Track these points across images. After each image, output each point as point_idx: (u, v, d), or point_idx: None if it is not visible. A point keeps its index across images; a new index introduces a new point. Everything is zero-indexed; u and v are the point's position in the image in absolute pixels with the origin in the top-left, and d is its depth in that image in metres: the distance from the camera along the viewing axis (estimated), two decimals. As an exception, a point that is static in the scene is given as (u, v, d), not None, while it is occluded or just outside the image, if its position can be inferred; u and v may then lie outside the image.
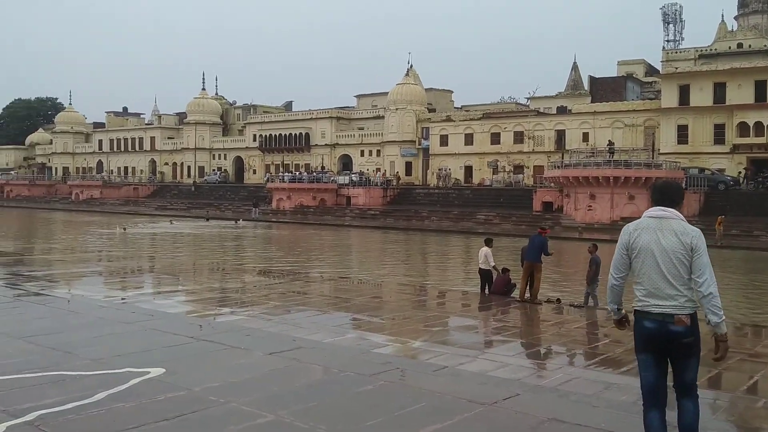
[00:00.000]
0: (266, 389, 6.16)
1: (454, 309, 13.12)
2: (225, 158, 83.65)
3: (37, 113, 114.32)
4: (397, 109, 65.82)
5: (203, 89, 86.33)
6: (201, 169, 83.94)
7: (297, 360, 7.37)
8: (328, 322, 10.84)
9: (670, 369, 3.83)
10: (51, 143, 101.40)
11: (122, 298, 12.27)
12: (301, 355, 7.73)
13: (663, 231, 3.66)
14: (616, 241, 4.09)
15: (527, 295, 13.93)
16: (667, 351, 3.66)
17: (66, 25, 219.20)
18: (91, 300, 11.76)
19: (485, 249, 15.06)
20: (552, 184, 45.36)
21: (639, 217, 3.95)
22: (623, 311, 3.98)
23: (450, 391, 6.43)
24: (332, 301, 13.34)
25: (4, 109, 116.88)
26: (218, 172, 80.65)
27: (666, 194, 3.80)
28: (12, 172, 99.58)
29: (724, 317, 3.70)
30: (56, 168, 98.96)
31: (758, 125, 46.48)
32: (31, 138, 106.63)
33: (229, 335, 8.75)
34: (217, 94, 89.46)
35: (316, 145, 74.13)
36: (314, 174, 62.64)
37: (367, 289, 15.64)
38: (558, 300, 14.11)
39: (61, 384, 6.02)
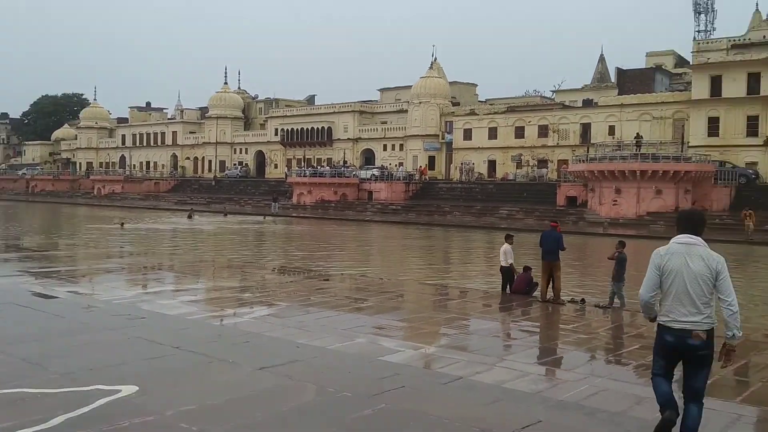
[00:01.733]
0: (247, 415, 5.46)
1: (474, 310, 12.46)
2: (246, 152, 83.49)
3: (63, 109, 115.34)
4: (420, 102, 65.02)
5: (225, 83, 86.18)
6: (222, 163, 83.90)
7: (289, 377, 6.65)
8: (338, 325, 10.25)
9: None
10: (76, 138, 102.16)
11: (120, 299, 11.78)
12: (296, 369, 6.99)
13: (691, 256, 4.16)
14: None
15: (549, 294, 13.24)
16: (682, 360, 4.24)
17: (92, 20, 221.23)
18: (80, 302, 11.24)
19: (505, 246, 14.40)
20: (576, 179, 44.34)
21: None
22: (655, 313, 4.46)
23: (460, 416, 5.68)
24: (347, 302, 12.75)
25: (31, 105, 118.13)
26: (239, 167, 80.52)
27: (691, 222, 4.30)
28: (37, 168, 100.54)
29: (741, 333, 4.25)
30: (80, 163, 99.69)
31: (793, 117, 45.02)
32: (57, 134, 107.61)
33: (221, 344, 8.10)
34: (239, 88, 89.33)
35: (339, 139, 73.61)
36: (336, 168, 62.12)
37: (384, 288, 15.03)
38: (582, 300, 13.38)
39: (19, 404, 5.41)
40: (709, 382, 5.87)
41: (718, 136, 48.04)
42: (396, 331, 10.19)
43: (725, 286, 4.13)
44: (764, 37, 57.58)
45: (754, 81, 46.92)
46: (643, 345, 9.45)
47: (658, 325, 4.32)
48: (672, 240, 4.35)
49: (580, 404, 6.49)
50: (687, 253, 4.20)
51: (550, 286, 13.22)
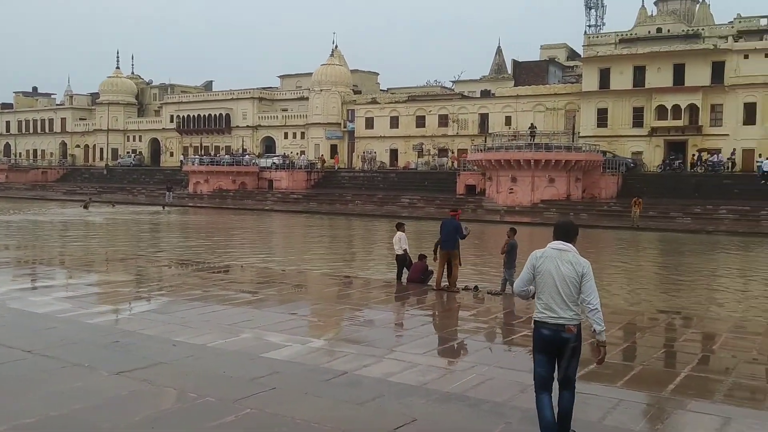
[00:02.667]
0: (93, 426, 4.94)
1: (370, 300, 12.23)
2: (140, 140, 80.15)
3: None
4: (321, 90, 64.39)
5: (117, 68, 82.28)
6: (114, 151, 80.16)
7: (149, 382, 6.06)
8: (225, 320, 9.76)
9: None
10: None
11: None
12: (160, 372, 6.42)
13: (562, 261, 4.68)
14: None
15: (444, 283, 13.22)
16: (557, 352, 4.66)
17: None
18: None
19: (398, 233, 14.28)
20: (475, 168, 45.16)
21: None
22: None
23: (331, 418, 5.34)
24: (240, 294, 12.23)
25: None
26: (132, 155, 77.17)
27: (564, 232, 4.83)
28: None
29: (604, 327, 4.69)
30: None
31: (675, 108, 47.51)
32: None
33: (84, 345, 7.42)
34: (132, 73, 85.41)
35: (238, 126, 71.86)
36: (234, 156, 60.60)
37: (282, 280, 14.60)
38: (476, 287, 13.43)
39: None
40: (592, 367, 6.29)
41: (606, 126, 50.14)
42: (287, 324, 9.80)
43: (588, 288, 4.65)
44: (649, 32, 60.51)
45: (639, 74, 49.25)
46: (531, 331, 9.53)
47: (535, 322, 4.79)
48: (548, 245, 4.88)
49: (465, 396, 6.37)
50: (559, 258, 4.73)
51: (447, 275, 13.19)
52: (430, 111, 59.76)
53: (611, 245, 27.58)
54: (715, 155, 44.34)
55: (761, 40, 48.30)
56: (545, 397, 4.74)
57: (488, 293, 12.99)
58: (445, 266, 13.18)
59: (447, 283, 13.17)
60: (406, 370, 7.52)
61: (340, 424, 5.18)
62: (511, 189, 41.34)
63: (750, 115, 46.01)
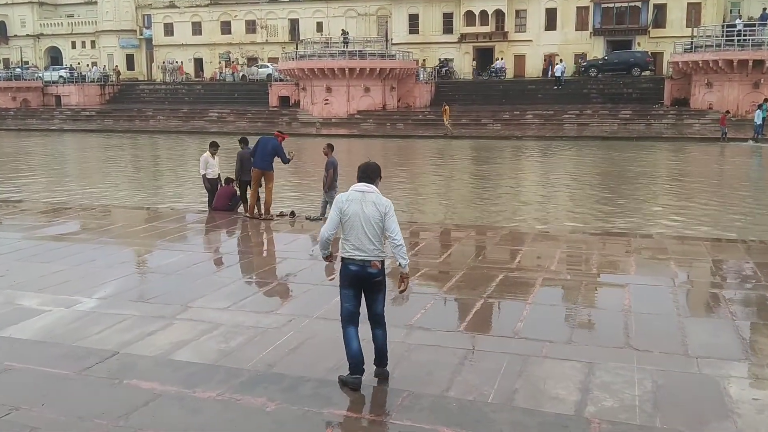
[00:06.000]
0: None
1: (165, 236, 10.25)
2: None
3: None
4: (111, -8, 57.57)
5: None
6: None
7: None
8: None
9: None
10: None
11: None
12: None
13: (366, 202, 4.83)
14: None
15: (257, 211, 11.56)
16: (364, 287, 4.91)
17: None
18: None
19: (205, 154, 12.29)
20: (288, 78, 42.77)
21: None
22: (330, 251, 5.10)
23: None
24: (10, 238, 9.77)
25: None
26: None
27: (366, 174, 4.95)
28: None
29: (408, 260, 4.89)
30: None
31: (483, 14, 47.79)
32: None
33: None
34: None
35: (16, 36, 62.83)
36: (13, 70, 52.91)
37: (66, 215, 12.14)
38: (292, 213, 11.89)
39: None
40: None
41: (418, 33, 49.58)
42: (52, 278, 7.72)
43: (390, 224, 4.80)
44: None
45: (448, -21, 48.74)
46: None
47: (343, 259, 4.90)
48: (351, 188, 4.94)
49: (278, 375, 4.94)
50: (362, 200, 4.84)
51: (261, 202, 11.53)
52: (236, 16, 55.67)
53: (427, 155, 27.18)
54: (498, 62, 45.58)
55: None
56: (351, 330, 4.90)
57: (307, 219, 11.53)
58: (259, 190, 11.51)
59: (261, 211, 11.54)
60: (204, 335, 5.91)
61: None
62: (327, 100, 39.70)
63: (551, 20, 47.49)
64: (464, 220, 13.71)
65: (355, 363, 4.81)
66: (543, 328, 6.00)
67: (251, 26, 55.42)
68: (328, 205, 11.97)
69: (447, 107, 34.14)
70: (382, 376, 4.99)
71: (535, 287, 7.29)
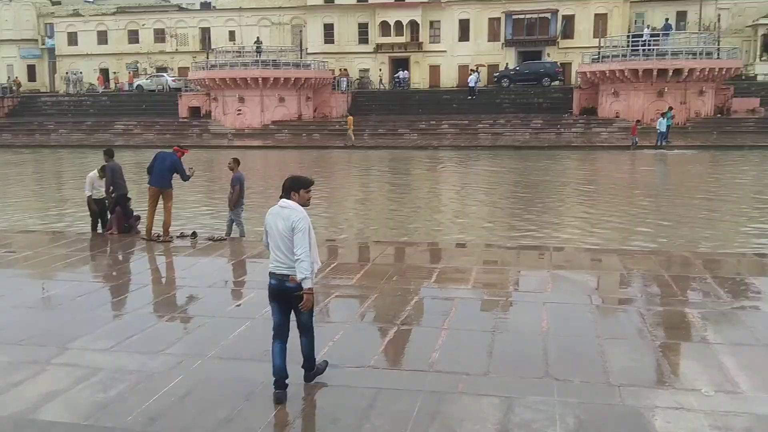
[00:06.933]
0: None
1: (50, 263, 9.31)
2: None
3: None
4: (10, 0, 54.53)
5: None
6: None
7: None
8: None
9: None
10: None
11: None
12: None
13: (280, 217, 4.95)
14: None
15: (156, 231, 10.74)
16: (286, 300, 4.93)
17: None
18: None
19: (92, 173, 11.33)
20: (199, 88, 41.43)
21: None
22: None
23: None
24: None
25: None
26: None
27: (284, 189, 5.04)
28: None
29: (308, 276, 4.81)
30: None
31: (398, 24, 47.93)
32: None
33: None
34: None
35: None
36: None
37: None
38: (194, 234, 11.09)
39: None
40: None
41: (334, 43, 49.21)
42: None
43: (297, 241, 4.82)
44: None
45: (364, -11, 48.70)
46: (262, 288, 7.63)
47: (269, 273, 5.00)
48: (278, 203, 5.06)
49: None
50: (279, 215, 4.95)
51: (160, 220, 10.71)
52: (144, 24, 53.79)
53: (344, 167, 26.72)
54: (401, 72, 45.73)
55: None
56: (276, 345, 4.96)
57: (211, 240, 10.79)
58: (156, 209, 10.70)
59: (159, 232, 10.74)
60: (80, 383, 5.19)
61: None
62: (239, 110, 38.64)
63: (464, 31, 48.07)
64: (381, 236, 13.28)
65: (277, 379, 4.90)
66: (459, 358, 5.59)
67: (160, 35, 53.70)
68: (233, 224, 11.29)
69: (351, 117, 33.75)
70: (310, 378, 5.15)
71: (452, 309, 6.89)
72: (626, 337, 6.12)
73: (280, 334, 4.93)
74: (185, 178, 10.77)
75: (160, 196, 10.70)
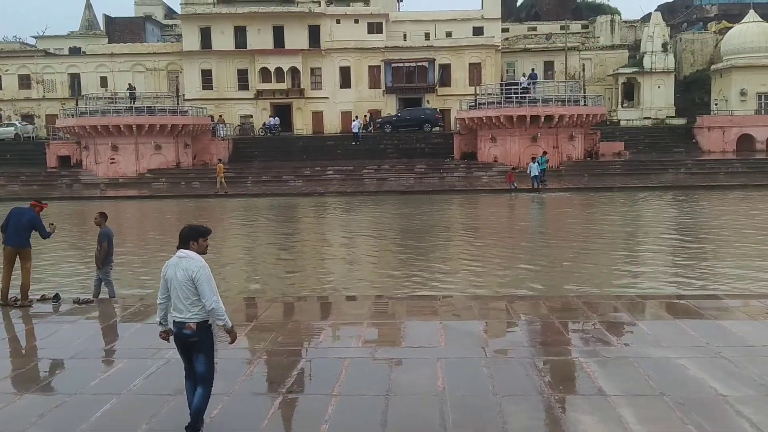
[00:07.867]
0: None
1: None
2: None
3: None
4: None
5: None
6: None
7: None
8: None
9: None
10: None
11: None
12: None
13: (179, 268, 5.05)
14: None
15: (13, 295, 9.68)
16: (186, 347, 5.12)
17: None
18: None
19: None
20: (68, 136, 39.18)
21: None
22: (168, 326, 5.26)
23: None
24: None
25: None
26: None
27: (180, 239, 5.17)
28: None
29: (226, 319, 5.09)
30: None
31: (278, 71, 47.70)
32: None
33: None
34: None
35: None
36: None
37: None
38: (56, 297, 10.07)
39: None
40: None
41: (212, 89, 48.29)
42: None
43: (202, 290, 4.98)
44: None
45: (241, 35, 48.29)
46: (133, 357, 6.87)
47: (173, 322, 5.14)
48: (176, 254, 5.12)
49: None
50: (177, 265, 5.07)
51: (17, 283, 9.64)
52: (7, 70, 50.64)
53: (225, 215, 25.81)
54: (272, 119, 45.61)
55: (349, 6, 50.98)
56: (188, 383, 5.22)
57: (76, 303, 9.82)
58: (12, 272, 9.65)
59: (16, 296, 9.67)
60: None
61: None
62: (113, 159, 36.78)
63: (345, 78, 48.56)
64: (267, 290, 12.66)
65: (190, 416, 5.11)
66: (351, 429, 5.15)
67: (25, 81, 50.73)
68: (102, 284, 10.37)
69: (221, 164, 32.89)
70: None
71: (342, 372, 6.46)
72: (524, 393, 5.92)
73: (191, 375, 5.19)
74: (45, 235, 9.82)
75: (17, 256, 9.71)
